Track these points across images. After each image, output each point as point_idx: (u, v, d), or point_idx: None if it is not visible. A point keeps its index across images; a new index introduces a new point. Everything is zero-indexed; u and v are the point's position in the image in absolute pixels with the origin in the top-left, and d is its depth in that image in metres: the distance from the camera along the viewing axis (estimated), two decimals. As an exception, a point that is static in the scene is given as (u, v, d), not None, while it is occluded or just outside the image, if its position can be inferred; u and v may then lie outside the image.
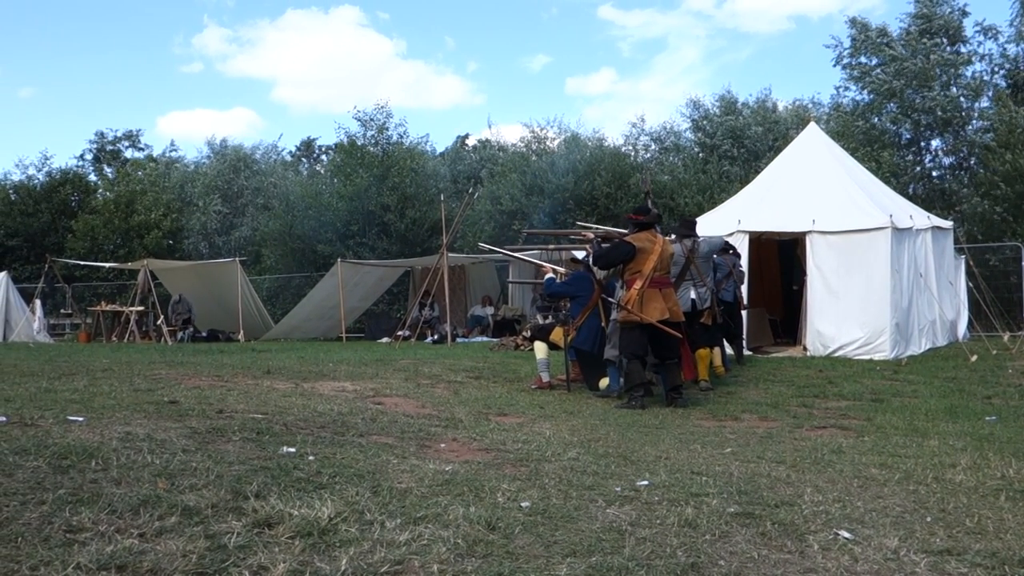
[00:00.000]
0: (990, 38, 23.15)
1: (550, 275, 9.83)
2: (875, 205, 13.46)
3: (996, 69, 23.36)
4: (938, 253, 14.65)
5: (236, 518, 3.22)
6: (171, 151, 36.03)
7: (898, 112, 22.81)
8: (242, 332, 20.20)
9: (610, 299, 8.73)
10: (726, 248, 11.45)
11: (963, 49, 22.93)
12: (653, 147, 28.13)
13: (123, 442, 4.33)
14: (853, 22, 24.04)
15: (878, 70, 22.80)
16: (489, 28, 66.40)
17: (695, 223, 10.34)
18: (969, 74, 22.98)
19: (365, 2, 65.66)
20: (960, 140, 23.14)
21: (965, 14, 23.07)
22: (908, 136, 23.65)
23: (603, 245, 8.85)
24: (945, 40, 22.67)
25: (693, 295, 9.49)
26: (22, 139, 65.84)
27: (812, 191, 13.65)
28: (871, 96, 23.32)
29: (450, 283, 18.23)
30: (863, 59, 23.68)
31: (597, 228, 9.39)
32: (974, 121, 22.84)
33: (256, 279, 24.91)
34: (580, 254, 9.74)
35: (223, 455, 4.28)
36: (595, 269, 8.96)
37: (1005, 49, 23.21)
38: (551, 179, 24.20)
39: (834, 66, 24.35)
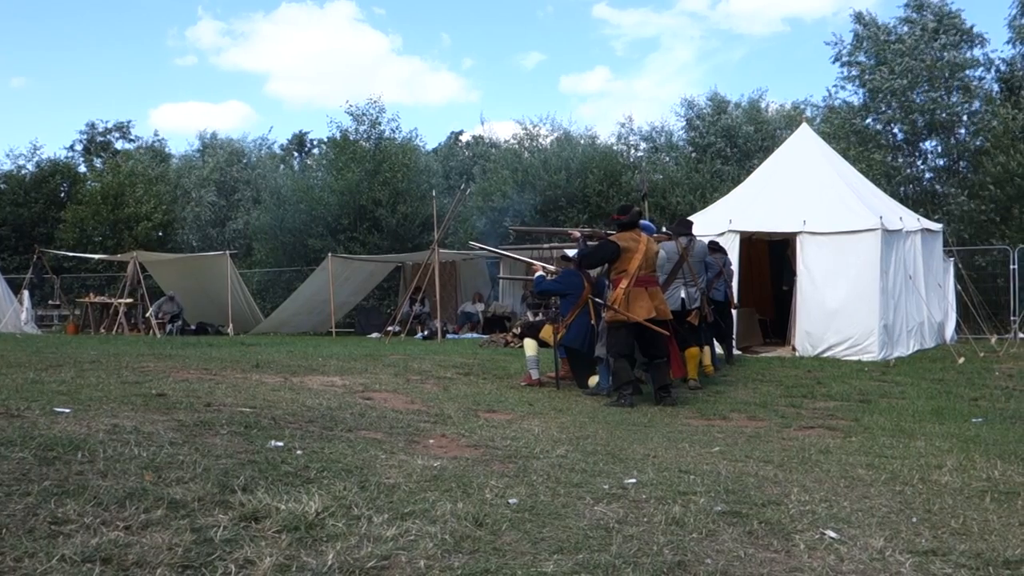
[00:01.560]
0: (977, 45, 23.25)
1: (540, 273, 9.84)
2: (865, 207, 13.52)
3: (987, 72, 23.47)
4: (927, 255, 14.72)
5: (223, 512, 3.21)
6: (155, 141, 35.85)
7: (895, 112, 22.84)
8: (231, 325, 20.14)
9: (598, 300, 8.75)
10: (715, 247, 11.49)
11: (962, 52, 22.99)
12: (643, 146, 28.21)
13: (110, 434, 4.32)
14: (859, 17, 23.95)
15: (879, 68, 22.75)
16: (485, 25, 66.30)
17: (691, 223, 10.38)
18: (966, 76, 23.04)
19: (360, -3, 65.38)
20: (951, 144, 23.23)
21: (955, 16, 23.16)
22: (901, 137, 23.71)
23: (589, 244, 8.87)
24: (955, 35, 22.64)
25: (683, 294, 9.51)
26: (14, 129, 65.44)
27: (803, 192, 13.70)
28: (868, 95, 23.32)
29: (441, 279, 18.21)
30: (862, 57, 23.66)
31: (584, 228, 9.47)
32: (968, 124, 22.91)
33: (246, 272, 24.84)
34: (571, 252, 9.75)
35: (210, 448, 4.26)
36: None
37: (990, 56, 23.32)
38: (543, 176, 24.24)
39: (833, 63, 24.39)
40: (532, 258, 12.24)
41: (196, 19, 64.46)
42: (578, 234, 9.21)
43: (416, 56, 67.13)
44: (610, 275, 8.29)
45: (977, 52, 23.21)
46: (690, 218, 11.88)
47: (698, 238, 10.34)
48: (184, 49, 62.25)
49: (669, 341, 8.34)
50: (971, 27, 22.98)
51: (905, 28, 23.13)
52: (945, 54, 22.13)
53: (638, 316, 7.96)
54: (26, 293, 21.83)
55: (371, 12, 65.81)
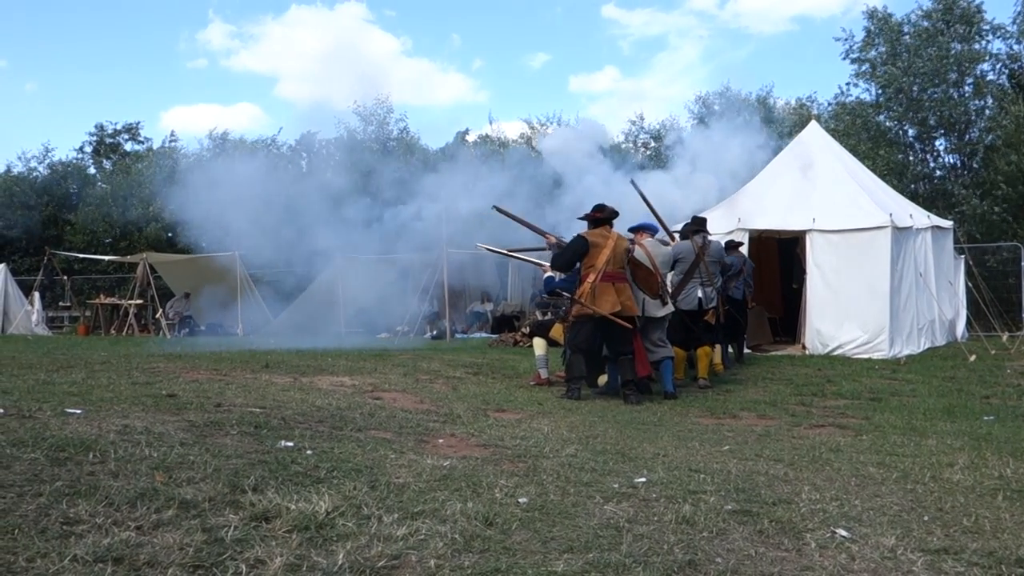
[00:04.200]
0: (999, 37, 23.09)
1: (550, 274, 9.83)
2: (875, 204, 13.46)
3: (1002, 69, 23.30)
4: (938, 253, 14.66)
5: (233, 512, 3.22)
6: (170, 141, 35.77)
7: (904, 110, 22.69)
8: (241, 326, 20.20)
9: (566, 293, 8.77)
10: (733, 245, 11.44)
11: (975, 46, 22.79)
12: (652, 144, 28.21)
13: (121, 435, 4.33)
14: (872, 14, 23.78)
15: (888, 65, 22.58)
16: (495, 26, 65.99)
17: (705, 220, 10.26)
18: (979, 72, 22.87)
19: (371, -1, 65.23)
20: (964, 141, 23.10)
21: (979, 11, 22.96)
22: (912, 134, 23.58)
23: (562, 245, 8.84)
24: (966, 27, 22.40)
25: (699, 294, 9.43)
26: (27, 133, 65.52)
27: (812, 189, 13.65)
28: (879, 92, 23.18)
29: (449, 279, 18.22)
30: (873, 53, 23.52)
31: (562, 238, 9.43)
32: (978, 122, 22.76)
33: (256, 272, 24.90)
34: None
35: (221, 449, 4.27)
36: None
37: (1013, 49, 23.16)
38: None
39: (843, 59, 24.26)
40: (540, 258, 12.18)
41: (207, 22, 64.41)
42: (553, 239, 9.21)
43: (425, 57, 66.99)
44: (580, 271, 8.35)
45: (1000, 45, 23.06)
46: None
47: (711, 237, 10.25)
48: (195, 52, 62.23)
49: (634, 338, 8.35)
50: (993, 20, 22.84)
51: (925, 23, 22.86)
52: (956, 46, 21.96)
53: (603, 310, 8.04)
54: (37, 295, 21.96)
55: (381, 14, 65.66)
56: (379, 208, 23.23)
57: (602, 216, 8.48)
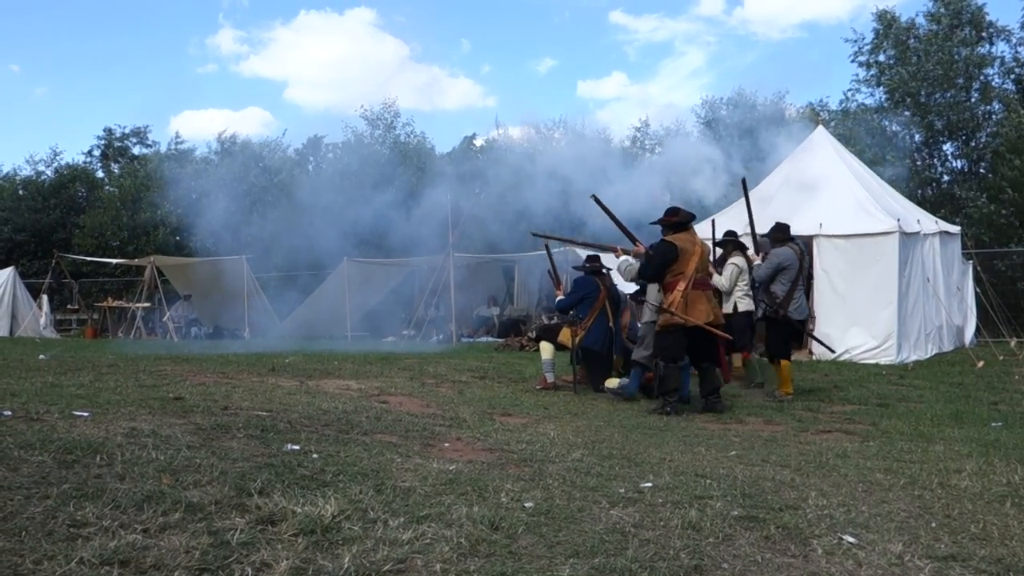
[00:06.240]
0: (1003, 39, 23.04)
1: (560, 297, 9.78)
2: (883, 209, 13.43)
3: (1007, 73, 23.26)
4: (945, 258, 14.61)
5: (239, 515, 3.22)
6: (177, 143, 35.82)
7: (912, 115, 22.66)
8: (248, 329, 20.25)
9: (643, 299, 8.53)
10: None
11: (980, 50, 22.75)
12: (659, 149, 28.22)
13: (128, 438, 4.34)
14: (881, 16, 23.67)
15: (897, 67, 22.54)
16: (503, 32, 66.11)
17: (789, 227, 9.56)
18: (985, 76, 22.83)
19: (380, 4, 65.36)
20: (971, 147, 23.04)
21: (983, 14, 22.92)
22: (919, 139, 23.53)
23: (649, 253, 8.27)
24: (973, 31, 22.34)
25: (806, 303, 9.05)
26: (36, 137, 65.95)
27: (819, 194, 13.61)
28: (884, 96, 23.14)
29: (456, 283, 18.24)
30: (881, 57, 23.46)
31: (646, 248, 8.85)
32: (986, 126, 22.71)
33: (262, 276, 24.96)
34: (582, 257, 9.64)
35: (227, 452, 4.28)
36: (608, 273, 8.84)
37: (1017, 52, 23.12)
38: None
39: (851, 62, 24.22)
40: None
41: (217, 28, 64.76)
42: (642, 248, 8.64)
43: (435, 63, 67.05)
44: (664, 278, 7.93)
45: (1004, 47, 23.02)
46: (699, 220, 11.65)
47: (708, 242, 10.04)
48: (205, 57, 62.44)
49: (720, 346, 8.15)
50: (997, 20, 22.80)
51: (933, 26, 22.77)
52: (963, 50, 21.93)
53: (697, 320, 7.70)
54: (45, 298, 22.04)
55: (391, 19, 65.78)
56: (385, 212, 23.33)
57: (677, 220, 8.04)
